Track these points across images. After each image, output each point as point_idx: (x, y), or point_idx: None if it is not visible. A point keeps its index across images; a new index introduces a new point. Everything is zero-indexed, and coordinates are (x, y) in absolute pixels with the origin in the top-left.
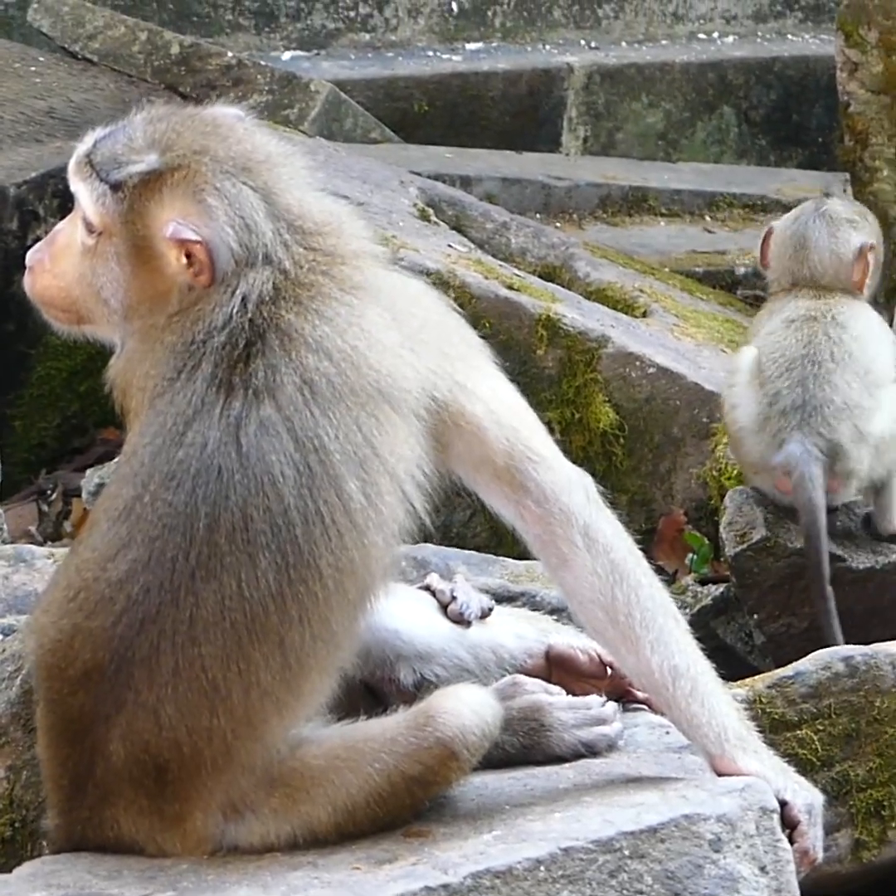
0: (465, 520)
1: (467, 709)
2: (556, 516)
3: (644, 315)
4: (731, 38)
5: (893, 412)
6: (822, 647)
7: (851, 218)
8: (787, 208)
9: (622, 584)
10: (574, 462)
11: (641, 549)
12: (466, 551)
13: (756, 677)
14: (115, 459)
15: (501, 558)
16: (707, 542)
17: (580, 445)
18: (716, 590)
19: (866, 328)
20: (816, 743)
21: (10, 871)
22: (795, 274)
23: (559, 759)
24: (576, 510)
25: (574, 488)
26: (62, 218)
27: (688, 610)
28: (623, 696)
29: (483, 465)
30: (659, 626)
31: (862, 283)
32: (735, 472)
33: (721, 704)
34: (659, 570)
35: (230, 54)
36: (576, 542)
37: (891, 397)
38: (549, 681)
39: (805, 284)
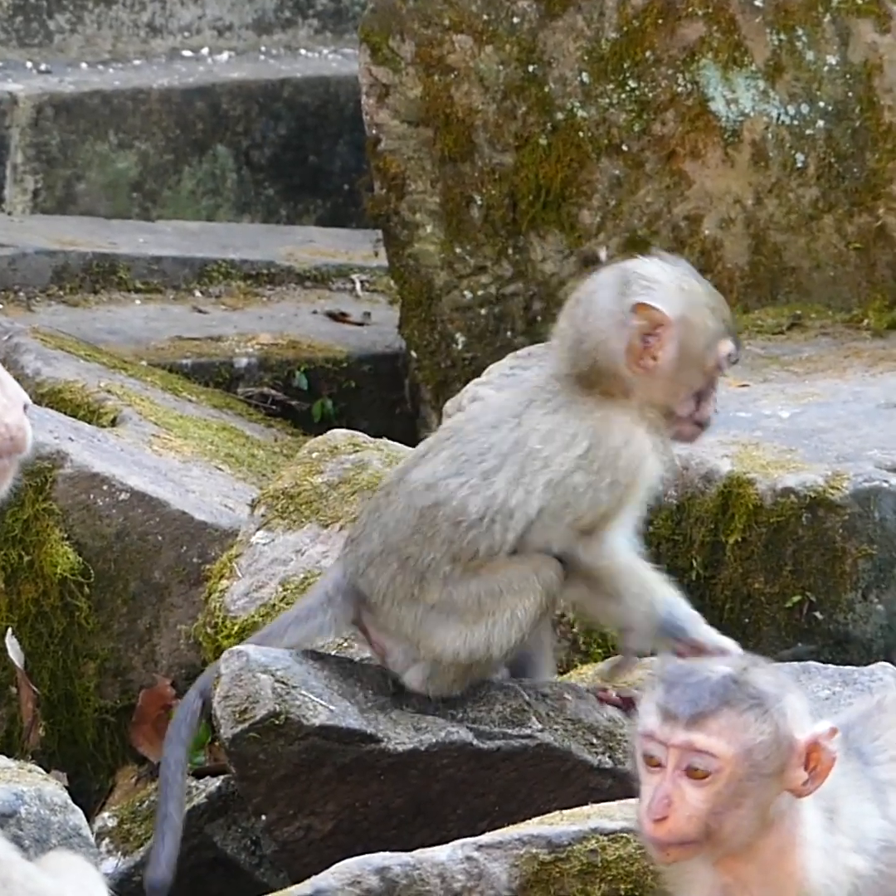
0: None
1: None
2: None
3: (113, 423)
4: (225, 55)
5: None
6: (352, 856)
7: None
8: (300, 278)
9: None
10: (24, 618)
11: (117, 731)
12: None
13: None
14: None
15: None
16: (202, 720)
17: (32, 598)
18: (213, 784)
19: None
20: None
21: None
22: None
23: None
24: None
25: None
26: None
27: None
28: None
29: None
30: None
31: None
32: (235, 627)
33: None
34: (140, 760)
35: None
36: None
37: None
38: None
39: None
